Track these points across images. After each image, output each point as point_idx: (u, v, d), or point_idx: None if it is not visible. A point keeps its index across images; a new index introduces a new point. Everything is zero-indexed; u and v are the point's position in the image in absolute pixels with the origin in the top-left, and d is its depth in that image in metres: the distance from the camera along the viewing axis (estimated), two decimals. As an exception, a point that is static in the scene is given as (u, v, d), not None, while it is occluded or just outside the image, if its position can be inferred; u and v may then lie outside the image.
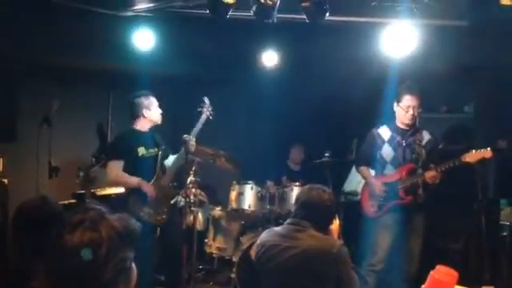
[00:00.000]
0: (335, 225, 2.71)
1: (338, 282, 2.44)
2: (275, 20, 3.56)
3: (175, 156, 4.28)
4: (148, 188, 3.99)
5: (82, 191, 4.93)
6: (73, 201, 5.06)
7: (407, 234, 4.08)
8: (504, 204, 4.56)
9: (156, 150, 4.19)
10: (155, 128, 4.32)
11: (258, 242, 2.67)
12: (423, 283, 2.77)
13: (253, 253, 3.03)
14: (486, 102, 4.86)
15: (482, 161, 3.83)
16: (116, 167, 4.03)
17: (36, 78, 4.96)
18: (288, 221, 2.64)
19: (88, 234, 1.37)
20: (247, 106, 6.17)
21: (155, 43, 4.70)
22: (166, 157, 4.32)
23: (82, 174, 4.60)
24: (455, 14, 3.96)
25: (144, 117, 4.16)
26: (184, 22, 4.50)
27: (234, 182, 5.06)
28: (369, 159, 4.31)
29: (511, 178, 4.49)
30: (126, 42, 4.63)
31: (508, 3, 2.92)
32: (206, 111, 4.28)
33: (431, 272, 2.63)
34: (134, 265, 1.45)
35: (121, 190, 5.09)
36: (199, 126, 4.21)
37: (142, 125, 4.18)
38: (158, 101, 4.29)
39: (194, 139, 4.10)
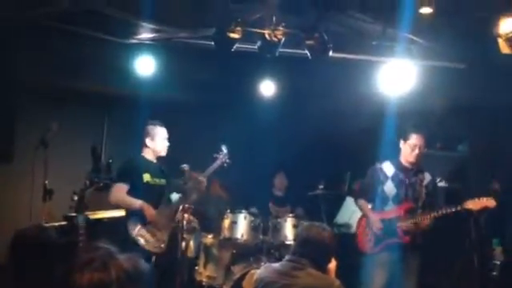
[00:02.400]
0: (333, 263, 2.71)
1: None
2: (277, 54, 3.62)
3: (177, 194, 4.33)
4: (149, 212, 3.97)
5: (74, 214, 4.89)
6: (63, 223, 5.03)
7: (403, 273, 4.06)
8: (495, 243, 4.59)
9: (162, 180, 4.19)
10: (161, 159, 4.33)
11: (256, 277, 2.65)
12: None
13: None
14: (479, 142, 4.93)
15: (485, 209, 3.85)
16: (120, 190, 4.04)
17: (34, 100, 4.97)
18: (287, 257, 2.63)
19: (97, 274, 1.36)
20: (242, 133, 6.19)
21: (155, 69, 4.74)
22: (174, 190, 4.34)
23: (76, 197, 4.56)
24: (452, 56, 4.05)
25: (147, 146, 4.17)
26: (185, 50, 4.55)
27: (228, 211, 5.04)
28: (369, 193, 4.32)
29: (503, 217, 4.54)
30: (126, 67, 4.66)
31: (508, 52, 3.00)
32: (222, 158, 4.45)
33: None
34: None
35: (115, 214, 5.07)
36: (211, 170, 4.38)
37: (148, 153, 4.20)
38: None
39: (205, 181, 4.24)
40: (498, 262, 4.48)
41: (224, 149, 4.49)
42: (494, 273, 4.48)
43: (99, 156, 5.78)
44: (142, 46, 4.42)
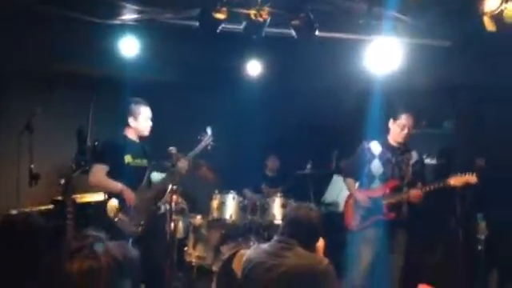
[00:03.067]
0: (321, 242, 2.74)
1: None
2: (263, 34, 3.59)
3: (160, 173, 4.27)
4: (129, 195, 3.92)
5: (61, 198, 4.88)
6: (50, 206, 5.02)
7: (389, 249, 4.14)
8: (480, 219, 4.67)
9: (144, 161, 4.12)
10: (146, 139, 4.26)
11: (245, 258, 2.67)
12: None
13: (239, 268, 3.05)
14: (464, 119, 4.98)
15: (466, 185, 3.93)
16: (100, 171, 3.96)
17: (18, 85, 4.89)
18: (275, 238, 2.65)
19: (87, 261, 1.37)
20: (229, 114, 6.17)
21: (140, 50, 4.67)
22: (155, 171, 4.25)
23: (62, 180, 4.53)
24: (438, 34, 4.05)
25: (129, 125, 4.11)
26: (169, 30, 4.49)
27: (216, 191, 5.05)
28: (357, 172, 4.37)
29: (487, 193, 4.61)
30: (110, 49, 4.59)
31: (493, 29, 3.01)
32: (206, 141, 4.33)
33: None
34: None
35: (101, 197, 5.06)
36: (196, 151, 4.26)
37: (130, 133, 4.12)
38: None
39: (187, 163, 4.10)
40: (483, 237, 4.55)
41: (208, 131, 4.38)
42: (479, 247, 4.56)
43: (85, 138, 5.73)
44: (125, 27, 4.34)
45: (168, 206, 4.07)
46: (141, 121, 4.11)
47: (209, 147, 4.36)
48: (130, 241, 3.94)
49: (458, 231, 4.66)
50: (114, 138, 4.19)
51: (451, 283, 4.50)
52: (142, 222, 3.98)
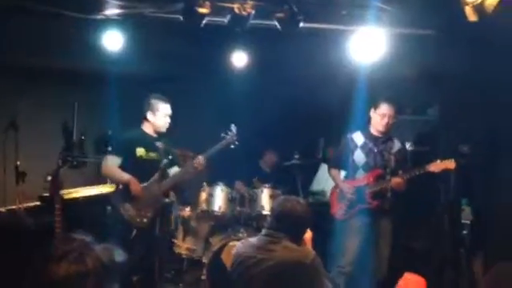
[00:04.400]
0: (308, 234, 2.77)
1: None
2: (247, 27, 3.59)
3: (177, 168, 4.30)
4: (135, 187, 3.95)
5: (49, 194, 4.86)
6: (38, 203, 4.99)
7: (375, 237, 4.22)
8: (465, 203, 4.75)
9: (159, 155, 4.11)
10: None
11: (234, 252, 2.70)
12: (390, 285, 2.90)
13: (229, 260, 3.09)
14: (448, 107, 5.03)
15: (445, 170, 4.00)
16: (112, 162, 4.02)
17: (1, 81, 4.84)
18: (263, 232, 2.68)
19: (74, 266, 1.37)
20: (216, 105, 6.17)
21: (124, 44, 4.64)
22: (170, 166, 4.26)
23: (49, 177, 4.51)
24: (421, 24, 4.08)
25: (147, 119, 4.11)
26: (154, 24, 4.46)
27: (204, 184, 5.06)
28: (341, 162, 4.43)
29: (472, 179, 4.68)
30: (94, 44, 4.56)
31: (474, 19, 3.04)
32: (230, 139, 4.33)
33: (400, 281, 2.77)
34: (119, 295, 1.47)
35: (90, 192, 5.06)
36: (216, 149, 4.27)
37: (147, 127, 4.15)
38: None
39: (204, 160, 4.15)
40: (468, 222, 4.64)
41: (233, 128, 4.36)
42: (464, 232, 4.64)
43: (71, 134, 5.71)
44: (109, 22, 4.31)
45: (169, 199, 4.15)
46: (159, 117, 4.13)
47: (232, 146, 4.34)
48: (134, 232, 3.99)
49: (443, 217, 4.74)
50: (128, 131, 4.22)
51: (437, 268, 4.58)
52: (148, 214, 4.01)
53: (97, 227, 4.46)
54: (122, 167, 4.01)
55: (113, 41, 4.56)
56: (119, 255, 1.49)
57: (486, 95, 4.47)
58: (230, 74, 5.57)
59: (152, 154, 4.09)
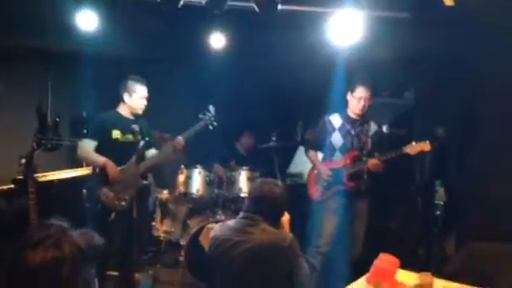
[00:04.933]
0: (286, 217, 2.79)
1: (289, 275, 2.52)
2: (225, 9, 3.55)
3: (154, 151, 4.25)
4: (112, 170, 3.90)
5: (22, 177, 4.78)
6: (12, 186, 4.91)
7: (352, 217, 4.29)
8: (438, 185, 4.85)
9: (136, 137, 4.03)
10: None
11: (212, 235, 2.71)
12: (366, 264, 2.96)
13: (207, 242, 3.09)
14: (424, 90, 5.10)
15: (421, 152, 4.07)
16: (88, 145, 3.96)
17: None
18: (240, 215, 2.68)
19: (51, 252, 1.36)
20: (194, 87, 6.12)
21: (98, 24, 4.56)
22: (147, 148, 4.20)
23: (23, 160, 4.43)
24: (398, 6, 4.10)
25: (123, 101, 4.05)
26: (129, 4, 4.39)
27: (182, 166, 5.05)
28: (318, 144, 4.47)
29: (446, 161, 4.78)
30: (68, 23, 4.46)
31: (450, 4, 3.06)
32: (208, 120, 4.27)
33: (375, 261, 2.82)
34: (96, 280, 1.47)
35: (65, 175, 4.99)
36: (194, 130, 4.20)
37: (123, 109, 4.08)
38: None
39: (183, 142, 4.09)
40: (442, 202, 4.74)
41: (211, 109, 4.30)
42: (438, 212, 4.75)
43: (45, 115, 5.60)
44: (83, 1, 4.22)
45: (148, 181, 4.11)
46: (135, 98, 4.05)
47: (210, 126, 4.28)
48: (113, 215, 3.96)
49: (416, 197, 4.84)
50: (104, 113, 4.13)
51: (411, 248, 4.69)
52: (126, 197, 3.97)
53: (73, 210, 4.44)
54: (98, 150, 3.96)
55: (88, 20, 4.47)
56: (97, 240, 1.48)
57: (460, 78, 4.54)
58: (207, 56, 5.52)
59: (129, 137, 4.03)
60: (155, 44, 5.38)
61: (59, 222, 1.48)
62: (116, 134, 3.98)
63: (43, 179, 4.73)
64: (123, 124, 4.03)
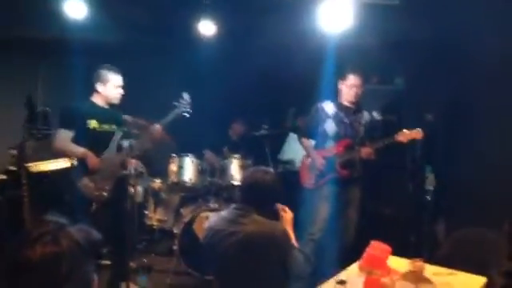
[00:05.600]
0: (289, 215, 2.76)
1: (281, 265, 2.53)
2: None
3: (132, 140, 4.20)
4: (92, 160, 3.86)
5: (14, 168, 4.77)
6: (4, 177, 4.90)
7: (344, 204, 4.33)
8: (428, 171, 4.91)
9: (112, 127, 4.01)
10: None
11: (207, 225, 2.73)
12: (359, 250, 3.01)
13: (200, 230, 3.11)
14: (414, 76, 5.13)
15: (413, 140, 4.10)
16: (64, 136, 3.87)
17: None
18: (233, 206, 2.68)
19: (49, 248, 1.37)
20: (184, 75, 6.10)
21: (87, 12, 4.53)
22: (125, 137, 4.12)
23: (14, 151, 4.42)
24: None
25: (97, 91, 4.00)
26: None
27: (174, 155, 5.05)
28: (311, 132, 4.46)
29: (435, 146, 4.83)
30: (56, 11, 4.42)
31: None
32: (182, 107, 4.21)
33: (367, 249, 2.87)
34: (95, 276, 1.49)
35: (57, 165, 4.97)
36: (170, 118, 4.16)
37: (98, 99, 4.01)
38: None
39: (160, 128, 4.06)
40: (432, 188, 4.80)
41: (186, 97, 4.24)
42: (428, 197, 4.81)
43: (35, 105, 5.56)
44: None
45: (128, 171, 4.07)
46: (109, 88, 3.98)
47: (186, 114, 4.24)
48: (94, 206, 3.93)
49: (408, 184, 4.89)
50: (78, 103, 4.06)
51: (401, 233, 4.75)
52: (107, 187, 3.95)
53: (64, 200, 4.42)
54: (75, 141, 3.88)
55: (76, 9, 4.45)
56: (94, 235, 1.49)
57: (449, 64, 4.57)
58: (198, 43, 5.50)
59: (105, 126, 3.99)
60: (146, 31, 5.34)
61: (56, 218, 1.49)
62: (93, 123, 3.91)
63: (35, 169, 4.72)
64: (99, 113, 3.97)
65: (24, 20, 4.47)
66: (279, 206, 2.76)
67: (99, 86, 3.97)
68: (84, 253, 1.44)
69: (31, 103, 5.30)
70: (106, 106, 4.04)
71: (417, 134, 4.07)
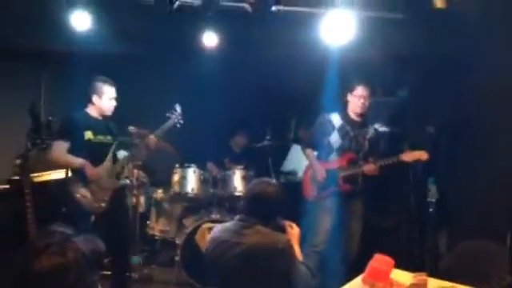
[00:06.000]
0: (296, 230, 2.75)
1: (285, 277, 2.52)
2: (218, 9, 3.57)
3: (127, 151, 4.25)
4: (90, 171, 3.88)
5: (18, 177, 4.77)
6: (7, 187, 4.91)
7: (347, 217, 4.32)
8: (431, 182, 4.90)
9: (107, 138, 4.04)
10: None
11: (211, 236, 2.72)
12: (362, 263, 2.99)
13: (202, 241, 3.10)
14: (416, 89, 5.14)
15: (418, 161, 4.14)
16: (60, 147, 3.90)
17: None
18: (237, 217, 2.68)
19: (56, 259, 1.38)
20: (186, 86, 6.13)
21: (92, 24, 4.56)
22: (120, 148, 4.21)
23: (18, 161, 4.42)
24: (391, 7, 4.15)
25: (93, 103, 4.03)
26: (122, 3, 4.39)
27: (177, 166, 5.07)
28: (316, 143, 4.45)
29: (437, 158, 4.82)
30: (61, 22, 4.46)
31: (442, 6, 3.10)
32: (175, 118, 4.30)
33: (370, 262, 2.85)
34: (100, 287, 1.49)
35: (62, 175, 4.98)
36: (164, 129, 4.24)
37: (93, 111, 4.05)
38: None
39: (155, 140, 4.12)
40: (434, 200, 4.79)
41: (178, 108, 4.34)
42: (430, 210, 4.80)
43: (38, 115, 5.58)
44: (77, 1, 4.21)
45: (129, 181, 4.09)
46: (105, 100, 4.03)
47: (178, 125, 4.32)
48: (93, 217, 3.94)
49: (409, 195, 4.88)
50: (74, 114, 4.09)
51: (404, 246, 4.74)
52: (105, 198, 3.96)
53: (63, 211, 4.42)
54: (71, 152, 3.91)
55: (81, 20, 4.48)
56: (99, 245, 1.50)
57: (451, 77, 4.59)
58: (200, 55, 5.53)
59: (100, 137, 4.02)
60: (149, 43, 5.38)
61: (62, 229, 1.50)
62: (88, 134, 3.94)
63: (40, 179, 4.73)
64: (94, 125, 4.01)
65: (28, 31, 4.51)
66: (286, 222, 2.75)
67: (95, 98, 4.01)
68: (89, 263, 1.45)
69: (35, 111, 5.32)
70: (100, 118, 4.08)
71: (421, 155, 4.09)
